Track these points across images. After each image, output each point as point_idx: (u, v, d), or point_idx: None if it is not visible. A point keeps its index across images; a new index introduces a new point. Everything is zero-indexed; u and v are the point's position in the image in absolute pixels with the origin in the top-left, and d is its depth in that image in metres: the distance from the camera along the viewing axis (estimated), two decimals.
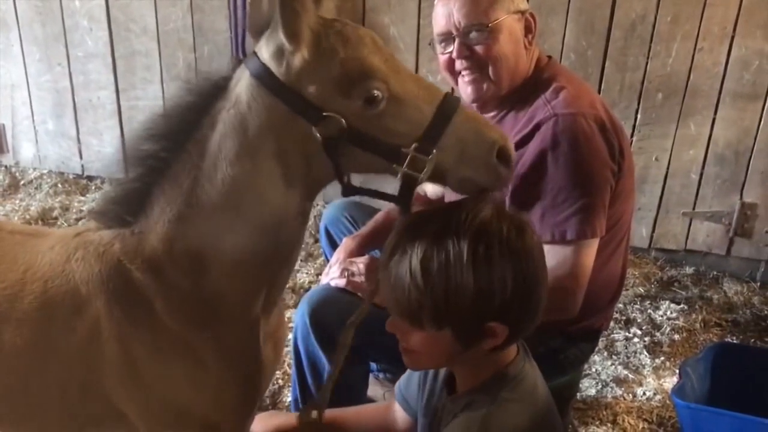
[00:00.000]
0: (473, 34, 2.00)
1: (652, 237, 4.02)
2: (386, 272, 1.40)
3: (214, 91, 1.43)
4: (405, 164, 1.34)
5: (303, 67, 1.33)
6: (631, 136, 3.78)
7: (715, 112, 3.70)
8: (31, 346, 1.53)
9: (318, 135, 1.34)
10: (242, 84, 1.39)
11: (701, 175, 3.83)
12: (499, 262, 1.31)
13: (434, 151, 1.34)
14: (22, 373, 1.57)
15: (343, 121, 1.32)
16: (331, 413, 1.94)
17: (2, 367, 1.57)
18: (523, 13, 2.05)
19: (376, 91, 1.32)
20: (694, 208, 3.90)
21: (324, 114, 1.33)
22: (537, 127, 1.96)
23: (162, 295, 1.48)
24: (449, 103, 1.38)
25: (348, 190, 1.44)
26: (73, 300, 1.51)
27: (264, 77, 1.35)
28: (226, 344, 1.53)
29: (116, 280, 1.49)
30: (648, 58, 3.70)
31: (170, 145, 1.45)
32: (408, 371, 1.79)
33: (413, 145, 1.34)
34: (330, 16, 1.42)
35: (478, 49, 2.01)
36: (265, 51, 1.36)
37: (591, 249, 1.95)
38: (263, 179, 1.39)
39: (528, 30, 2.07)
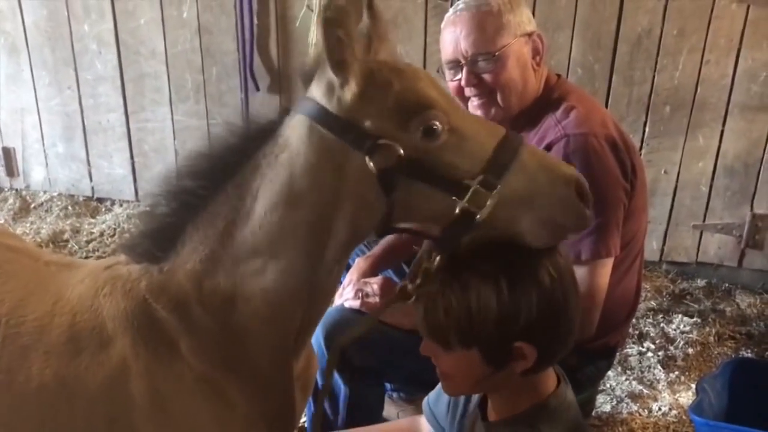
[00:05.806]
0: (481, 63, 2.03)
1: (662, 250, 4.01)
2: (417, 298, 1.41)
3: (260, 134, 1.41)
4: (466, 198, 1.26)
5: (355, 100, 1.30)
6: (640, 149, 3.78)
7: (724, 124, 3.70)
8: (59, 379, 1.52)
9: (372, 166, 1.28)
10: (292, 125, 1.37)
11: (711, 187, 3.83)
12: (525, 283, 1.31)
13: (499, 186, 1.26)
14: (50, 405, 1.55)
15: (400, 149, 1.27)
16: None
17: (32, 398, 1.55)
18: (530, 35, 2.06)
19: (435, 122, 1.27)
20: (704, 221, 3.89)
21: (379, 142, 1.28)
22: (548, 148, 1.97)
23: (187, 335, 1.46)
24: (512, 138, 1.31)
25: (387, 229, 1.39)
26: (100, 335, 1.50)
27: (316, 113, 1.33)
28: (254, 385, 1.51)
29: (141, 319, 1.47)
30: (655, 71, 3.70)
31: (209, 185, 1.43)
32: (438, 386, 1.80)
33: (478, 177, 1.26)
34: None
35: (486, 77, 2.04)
36: (316, 90, 1.35)
37: (606, 268, 1.96)
38: (303, 228, 1.36)
39: (536, 52, 2.08)
